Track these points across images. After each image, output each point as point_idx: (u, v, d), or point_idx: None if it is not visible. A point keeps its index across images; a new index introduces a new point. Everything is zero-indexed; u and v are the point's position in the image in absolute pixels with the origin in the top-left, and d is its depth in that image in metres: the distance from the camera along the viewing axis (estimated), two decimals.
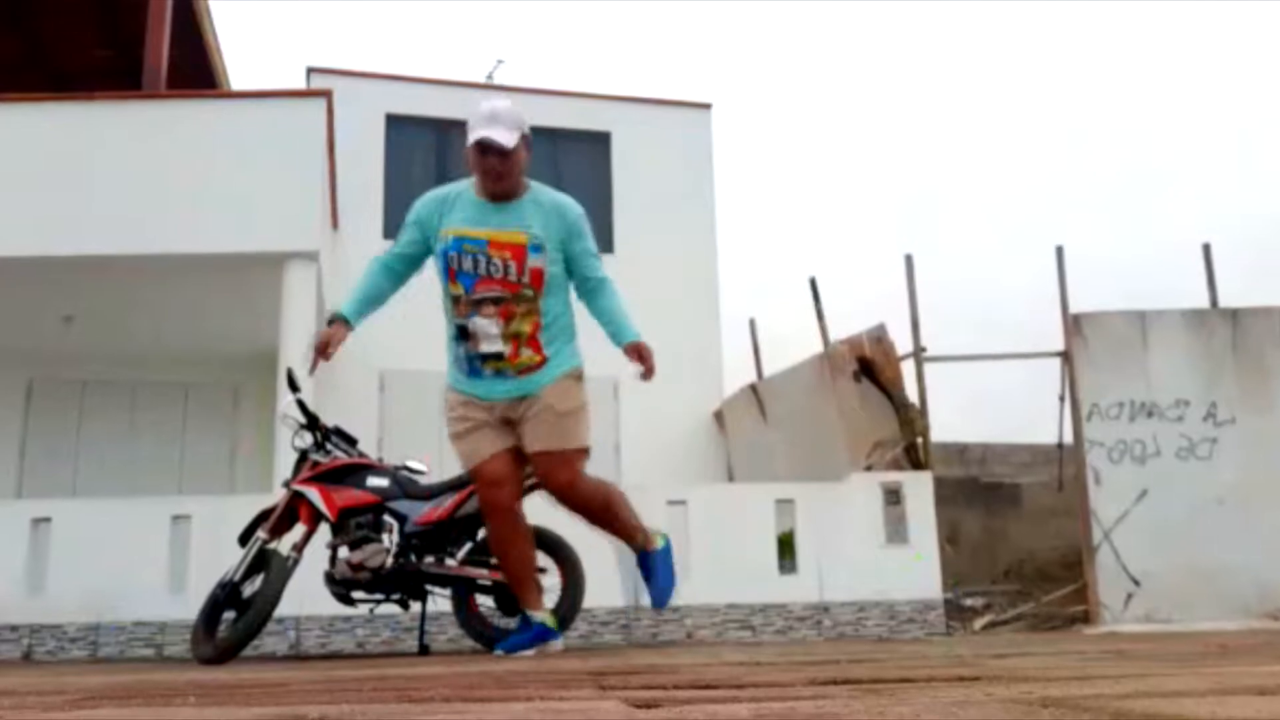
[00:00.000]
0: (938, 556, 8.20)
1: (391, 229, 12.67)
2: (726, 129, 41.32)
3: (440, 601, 5.90)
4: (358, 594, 5.68)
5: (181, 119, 9.90)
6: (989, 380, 12.63)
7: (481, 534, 5.66)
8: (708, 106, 14.53)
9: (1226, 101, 38.72)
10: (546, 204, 4.92)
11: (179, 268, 9.69)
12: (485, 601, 5.78)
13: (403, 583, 5.65)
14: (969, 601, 9.42)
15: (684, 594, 7.82)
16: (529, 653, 4.92)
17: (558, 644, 5.15)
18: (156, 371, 12.13)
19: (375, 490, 5.62)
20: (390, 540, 5.60)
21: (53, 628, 7.38)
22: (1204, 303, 9.42)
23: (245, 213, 9.43)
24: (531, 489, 5.26)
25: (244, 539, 5.66)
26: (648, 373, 5.00)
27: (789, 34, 43.75)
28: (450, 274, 4.83)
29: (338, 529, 5.59)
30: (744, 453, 12.35)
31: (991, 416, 14.88)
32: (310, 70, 13.08)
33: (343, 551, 5.57)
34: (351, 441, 5.97)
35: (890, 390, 9.28)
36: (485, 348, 4.81)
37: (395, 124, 13.39)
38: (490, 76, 15.16)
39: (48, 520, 7.63)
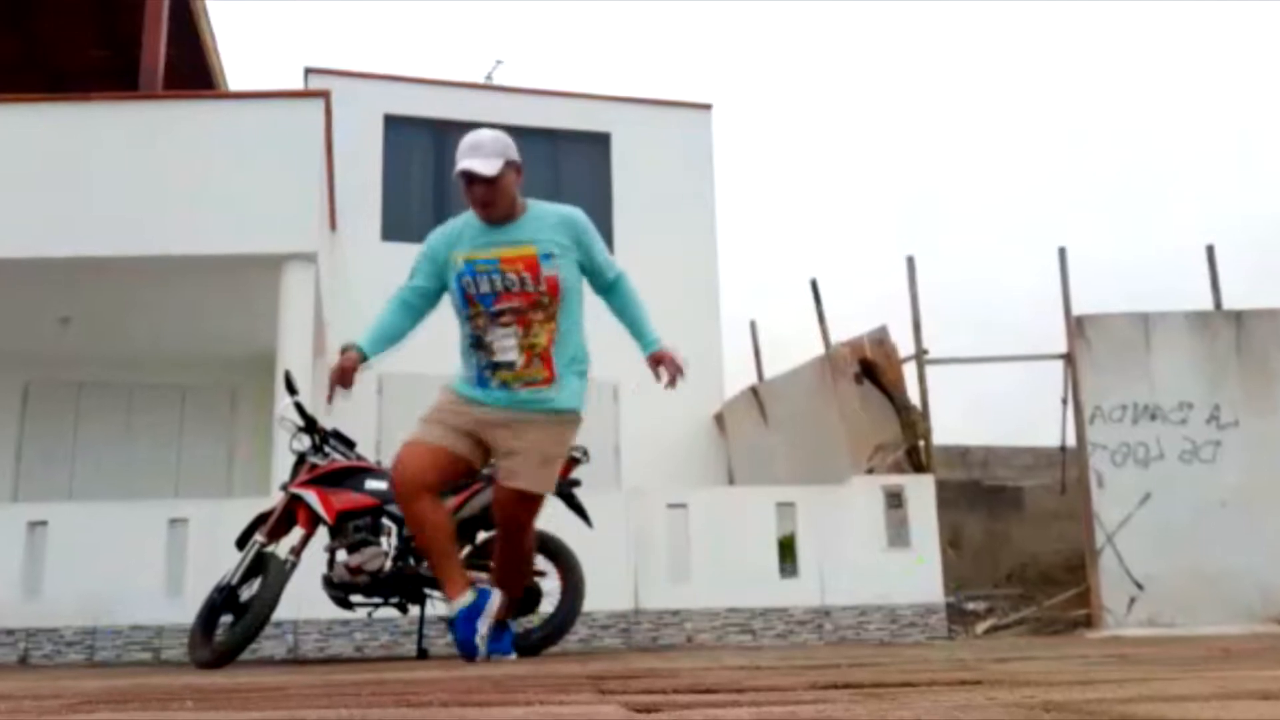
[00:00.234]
0: (939, 560, 8.19)
1: (390, 230, 12.69)
2: (727, 130, 41.35)
3: (439, 605, 5.86)
4: (356, 597, 5.66)
5: (179, 120, 9.88)
6: (991, 383, 12.60)
7: (481, 537, 5.64)
8: (708, 107, 14.51)
9: (1229, 102, 38.79)
10: (549, 218, 4.95)
11: (176, 269, 9.66)
12: None
13: (401, 586, 5.63)
14: (971, 605, 9.38)
15: (684, 597, 7.82)
16: (480, 629, 4.80)
17: (494, 601, 4.91)
18: (154, 374, 12.10)
19: (374, 493, 5.59)
20: (389, 543, 5.57)
21: (49, 631, 7.38)
22: (1207, 304, 9.40)
23: (243, 214, 9.40)
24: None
25: (241, 542, 5.64)
26: (671, 382, 4.97)
27: (789, 34, 43.78)
28: (468, 299, 4.85)
29: (336, 532, 5.56)
30: (744, 455, 12.32)
31: (994, 419, 14.87)
32: (308, 71, 13.06)
33: (341, 555, 5.55)
34: (350, 444, 5.95)
35: (892, 393, 9.26)
36: (499, 356, 4.81)
37: (394, 125, 13.36)
38: (489, 77, 15.15)
39: (44, 524, 7.63)
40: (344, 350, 5.06)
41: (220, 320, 11.09)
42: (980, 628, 8.86)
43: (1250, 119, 36.66)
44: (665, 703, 2.13)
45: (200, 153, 9.63)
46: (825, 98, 43.39)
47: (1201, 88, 40.03)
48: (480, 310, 4.82)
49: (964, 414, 13.40)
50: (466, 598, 4.86)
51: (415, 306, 5.10)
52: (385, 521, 5.59)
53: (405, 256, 5.33)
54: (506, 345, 4.80)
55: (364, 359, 5.04)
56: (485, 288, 4.81)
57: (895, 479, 8.44)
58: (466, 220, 4.98)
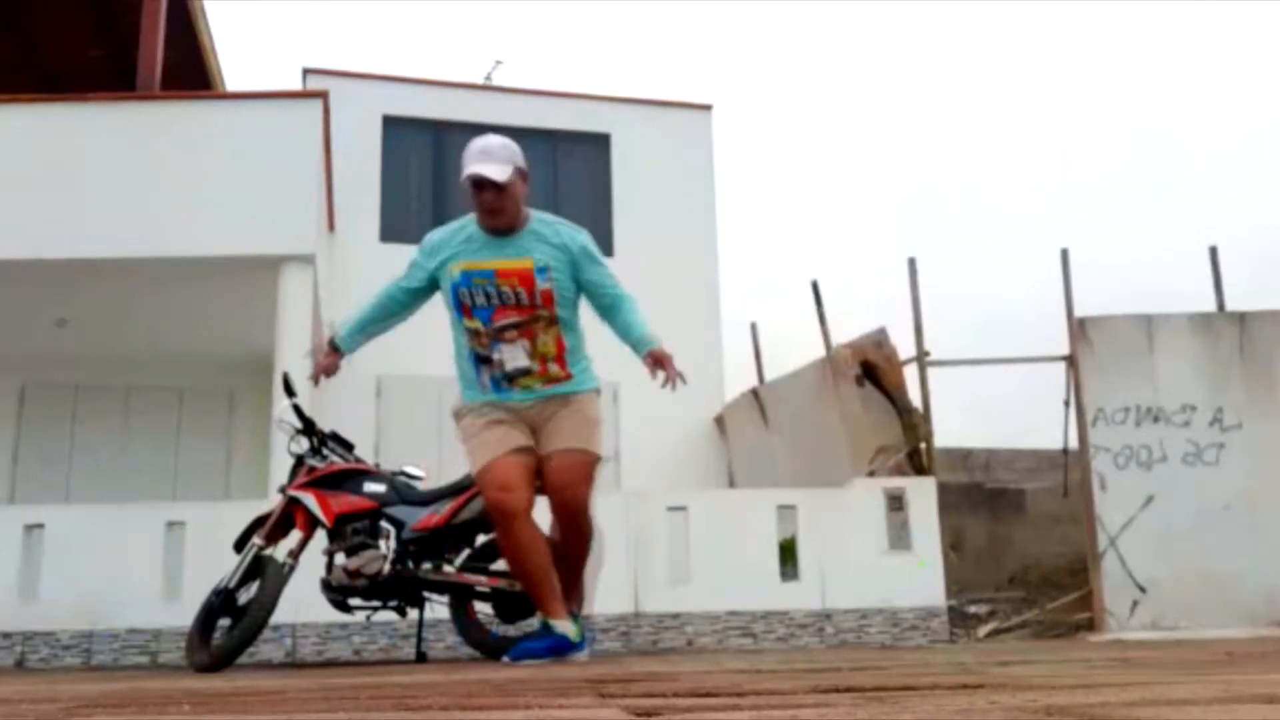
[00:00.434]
0: (941, 563, 8.17)
1: (388, 231, 12.67)
2: (727, 130, 41.40)
3: (438, 609, 5.86)
4: (354, 601, 5.64)
5: (176, 120, 9.86)
6: (993, 385, 12.58)
7: (480, 540, 5.62)
8: (708, 108, 14.49)
9: (1233, 102, 38.80)
10: (550, 236, 4.92)
11: (173, 271, 9.64)
12: (484, 609, 5.72)
13: (400, 589, 5.60)
14: (973, 609, 9.35)
15: (684, 600, 7.79)
16: (537, 661, 4.76)
17: (582, 655, 4.92)
18: (151, 376, 12.08)
19: (372, 496, 5.57)
20: (387, 546, 5.53)
21: (46, 635, 7.36)
22: (1211, 306, 9.36)
23: (240, 215, 9.38)
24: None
25: (239, 545, 5.62)
26: (669, 380, 4.82)
27: (789, 35, 43.82)
28: (464, 310, 4.84)
29: (334, 535, 5.54)
30: (745, 458, 12.30)
31: (996, 421, 14.90)
32: (306, 71, 13.04)
33: (339, 558, 5.52)
34: (348, 447, 5.92)
35: (893, 395, 9.23)
36: (512, 367, 4.83)
37: (392, 125, 13.34)
38: (488, 77, 15.14)
39: (41, 526, 7.61)
40: (329, 340, 5.18)
41: (218, 322, 11.07)
42: (982, 631, 8.84)
43: (1254, 119, 36.70)
44: (665, 706, 2.12)
45: (198, 154, 9.61)
46: (826, 98, 43.45)
47: (1205, 88, 40.09)
48: (479, 326, 4.81)
49: (966, 416, 13.38)
50: (570, 628, 4.88)
51: (402, 302, 5.13)
52: (384, 524, 5.56)
53: (404, 258, 5.31)
54: (517, 357, 4.82)
55: (340, 355, 5.17)
56: (481, 300, 4.79)
57: (896, 481, 8.42)
58: (467, 227, 4.95)
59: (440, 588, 5.64)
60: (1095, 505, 8.80)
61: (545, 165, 12.81)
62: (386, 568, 5.47)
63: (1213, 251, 9.56)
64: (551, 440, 4.92)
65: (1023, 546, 11.28)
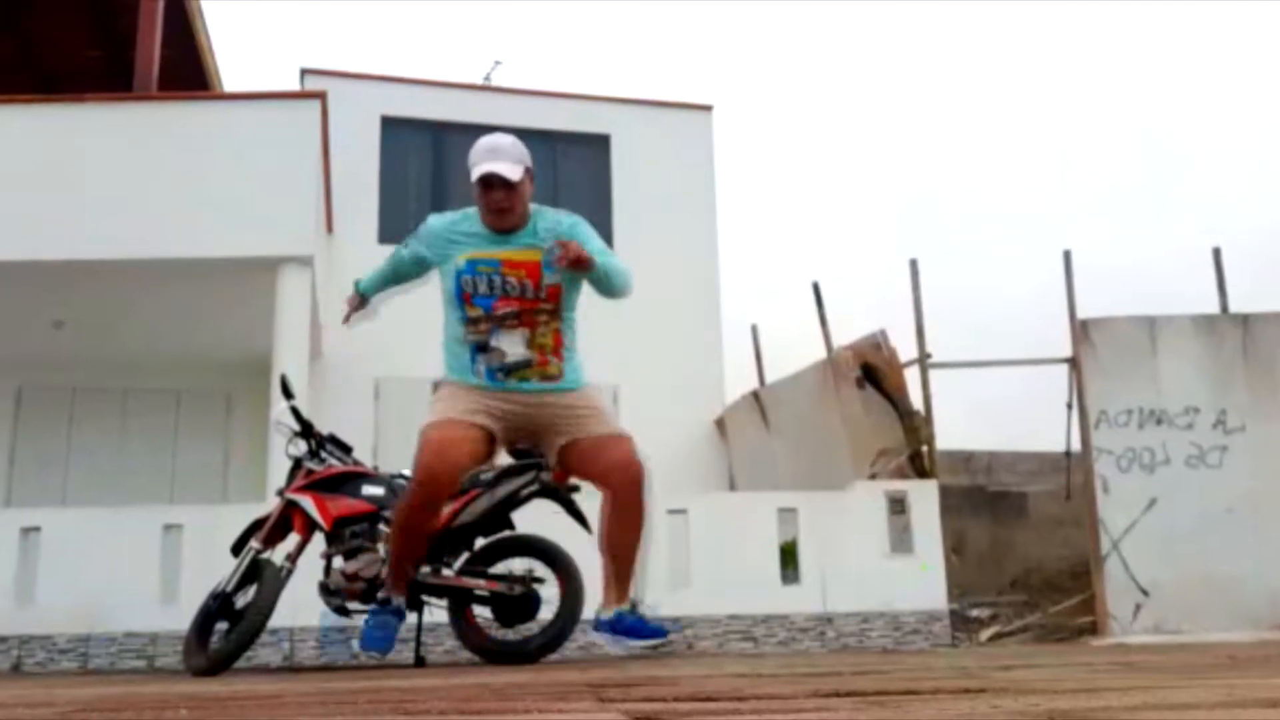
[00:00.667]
0: (943, 566, 8.16)
1: (387, 232, 12.65)
2: (728, 131, 41.39)
3: (437, 612, 5.82)
4: (353, 604, 5.59)
5: (174, 121, 9.85)
6: (995, 387, 12.56)
7: (479, 544, 5.58)
8: (709, 108, 14.48)
9: (1234, 102, 38.81)
10: (549, 223, 4.90)
11: (171, 272, 9.63)
12: (482, 612, 5.69)
13: None
14: (975, 612, 9.34)
15: (685, 604, 7.75)
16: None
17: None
18: (148, 378, 12.06)
19: (371, 499, 5.55)
20: (386, 550, 5.49)
21: (42, 639, 7.35)
22: (1214, 308, 9.35)
23: (238, 216, 9.37)
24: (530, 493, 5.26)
25: (237, 549, 5.61)
26: (563, 259, 4.56)
27: (789, 35, 43.85)
28: (465, 297, 4.81)
29: (332, 538, 5.52)
30: (746, 461, 12.28)
31: (998, 424, 14.84)
32: (304, 71, 13.02)
33: (338, 561, 5.50)
34: (346, 449, 5.90)
35: (894, 397, 9.21)
36: (511, 359, 4.79)
37: (390, 126, 13.32)
38: (488, 78, 15.13)
39: (37, 529, 7.60)
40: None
41: (215, 324, 11.06)
42: (984, 635, 8.82)
43: (1256, 119, 36.73)
44: (665, 711, 2.10)
45: (195, 155, 9.60)
46: (826, 99, 43.46)
47: (1205, 88, 40.12)
48: (480, 314, 4.77)
49: (967, 419, 13.34)
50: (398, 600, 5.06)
51: (410, 265, 5.19)
52: (382, 527, 5.53)
53: None
54: (516, 346, 4.79)
55: (364, 300, 5.32)
56: (484, 289, 4.76)
57: (898, 484, 8.41)
58: (470, 215, 4.93)
59: (439, 591, 5.61)
60: (1098, 508, 8.78)
61: (545, 166, 12.76)
62: (385, 571, 5.44)
63: (1216, 253, 9.54)
64: (580, 429, 4.89)
65: (1025, 550, 11.27)
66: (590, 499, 5.60)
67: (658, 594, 7.74)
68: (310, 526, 5.50)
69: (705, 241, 13.75)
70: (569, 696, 2.57)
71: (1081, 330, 9.16)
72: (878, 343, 9.39)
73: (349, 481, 5.61)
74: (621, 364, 11.40)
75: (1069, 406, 9.38)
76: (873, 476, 8.77)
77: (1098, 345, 9.09)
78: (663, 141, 14.00)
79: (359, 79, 13.35)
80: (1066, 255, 9.47)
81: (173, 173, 9.50)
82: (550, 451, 5.03)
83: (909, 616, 7.91)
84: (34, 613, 7.36)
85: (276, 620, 5.71)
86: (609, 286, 4.84)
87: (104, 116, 9.78)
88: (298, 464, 5.74)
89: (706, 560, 7.87)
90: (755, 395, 12.15)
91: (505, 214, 4.79)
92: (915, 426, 9.09)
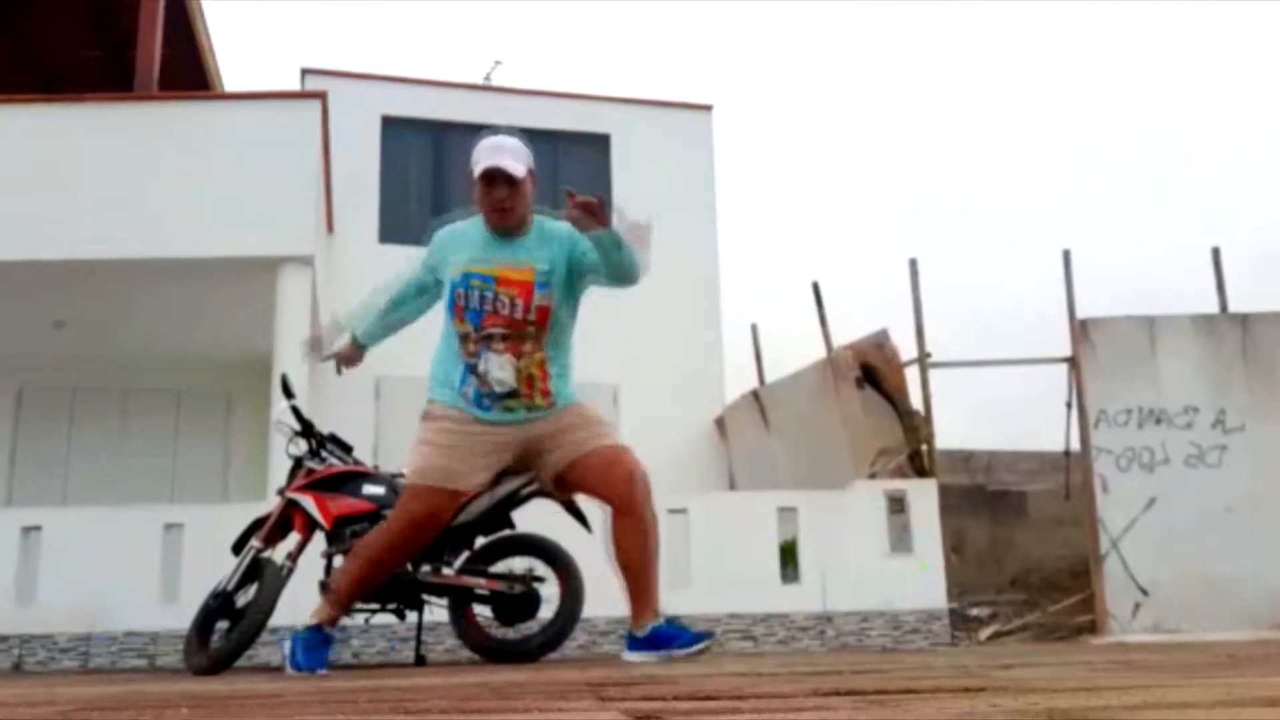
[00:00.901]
0: (943, 566, 8.15)
1: (387, 232, 12.65)
2: (728, 131, 41.39)
3: (437, 611, 5.83)
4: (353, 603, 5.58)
5: (174, 121, 9.84)
6: (994, 386, 12.58)
7: (479, 542, 5.59)
8: (709, 108, 14.47)
9: (1234, 102, 38.82)
10: (552, 235, 4.81)
11: (171, 272, 9.62)
12: (483, 611, 5.70)
13: (399, 592, 5.58)
14: (974, 611, 9.34)
15: (685, 603, 7.74)
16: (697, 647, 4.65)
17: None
18: (148, 378, 12.05)
19: (371, 498, 5.55)
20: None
21: (43, 638, 7.35)
22: (1213, 307, 9.35)
23: (238, 216, 9.36)
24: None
25: (237, 548, 5.61)
26: (576, 209, 4.52)
27: (789, 35, 43.84)
28: (457, 310, 4.71)
29: (333, 537, 5.51)
30: (746, 460, 12.28)
31: (997, 423, 14.86)
32: (305, 71, 13.01)
33: (338, 560, 5.48)
34: (347, 449, 5.90)
35: (894, 397, 9.22)
36: (499, 388, 4.66)
37: (391, 126, 13.31)
38: (488, 78, 15.11)
39: (38, 529, 7.59)
40: (350, 339, 5.12)
41: (216, 324, 11.05)
42: (984, 634, 8.83)
43: (1256, 119, 36.72)
44: (665, 710, 2.09)
45: (196, 155, 9.59)
46: (826, 99, 43.47)
47: (1205, 88, 40.11)
48: (469, 330, 4.68)
49: (967, 418, 13.35)
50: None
51: (412, 300, 5.06)
52: None
53: (402, 259, 5.28)
54: (504, 376, 4.65)
55: (360, 351, 5.12)
56: (475, 303, 4.66)
57: (898, 484, 8.41)
58: (471, 224, 4.86)
59: (439, 590, 5.62)
60: (1097, 507, 8.79)
61: (545, 166, 12.71)
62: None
63: (1215, 252, 9.55)
64: (575, 448, 4.76)
65: (1024, 549, 11.27)
66: (593, 501, 5.61)
67: (659, 592, 7.76)
68: (311, 526, 5.49)
69: (705, 241, 13.74)
70: (569, 695, 2.55)
71: (1081, 330, 9.17)
72: (881, 341, 9.39)
73: (349, 481, 5.60)
74: (621, 364, 11.41)
75: (1068, 406, 9.39)
76: (872, 476, 8.77)
77: (1097, 345, 9.10)
78: (663, 141, 13.99)
79: (359, 79, 13.33)
80: (1066, 255, 9.48)
81: (173, 172, 9.49)
82: (548, 477, 4.90)
83: (909, 615, 7.91)
84: (35, 612, 7.35)
85: (277, 619, 5.69)
86: (618, 260, 4.63)
87: (104, 116, 9.77)
88: (298, 463, 5.74)
89: (706, 559, 7.87)
90: (755, 395, 12.15)
91: (507, 213, 4.70)
92: (915, 426, 9.09)
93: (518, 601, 5.50)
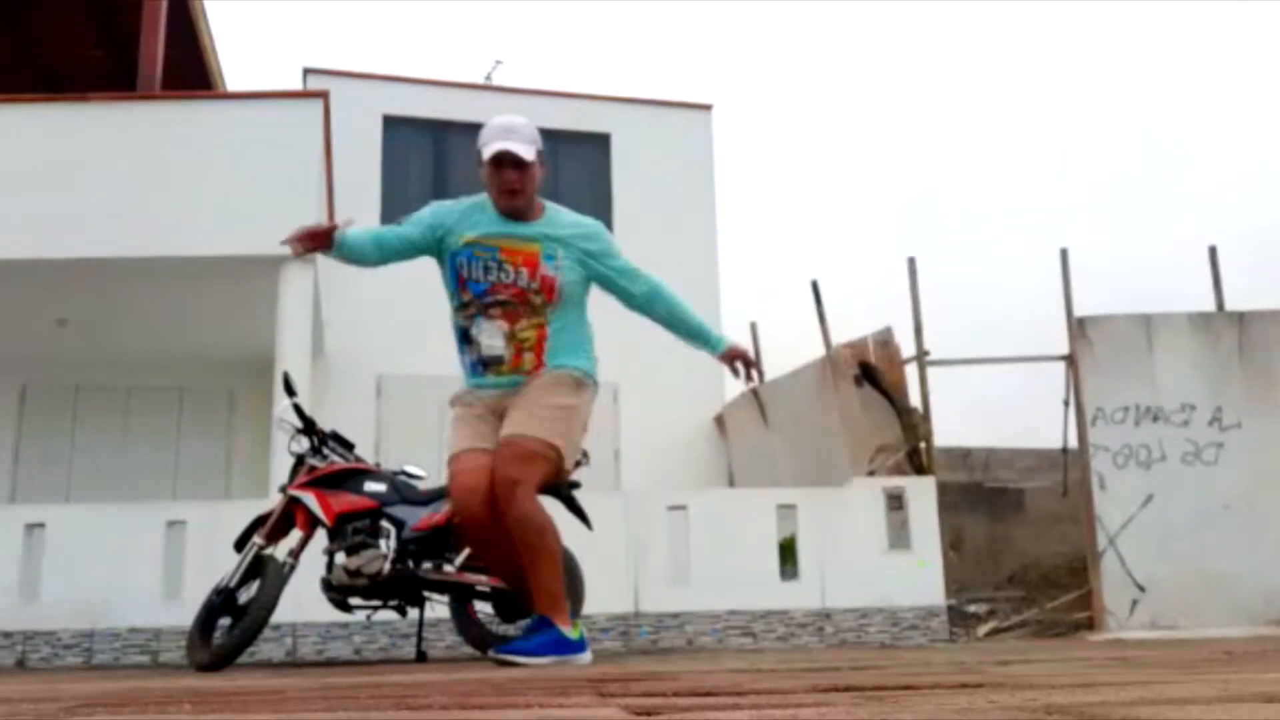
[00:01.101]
0: (941, 562, 8.17)
1: None
2: (727, 130, 41.34)
3: (438, 608, 5.85)
4: (355, 600, 5.64)
5: (176, 120, 9.85)
6: (992, 384, 12.60)
7: None
8: (708, 108, 14.48)
9: (1234, 102, 38.77)
10: (564, 225, 4.80)
11: (174, 271, 9.63)
12: (484, 608, 5.72)
13: (400, 589, 5.60)
14: (972, 608, 9.36)
15: (684, 600, 7.79)
16: (538, 660, 4.33)
17: (583, 658, 4.50)
18: (151, 376, 12.06)
19: (373, 495, 5.56)
20: (388, 546, 5.52)
21: (46, 634, 7.36)
22: (1210, 306, 9.37)
23: (241, 215, 9.36)
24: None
25: (240, 545, 5.61)
26: (749, 376, 4.87)
27: (789, 35, 43.79)
28: (460, 281, 4.69)
29: (335, 534, 5.53)
30: (745, 458, 12.29)
31: (995, 421, 14.87)
32: (306, 71, 13.03)
33: (340, 557, 5.51)
34: (348, 446, 5.92)
35: (892, 394, 9.24)
36: (487, 352, 4.66)
37: (392, 125, 13.33)
38: (488, 77, 15.13)
39: (41, 526, 7.61)
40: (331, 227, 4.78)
41: (218, 322, 11.06)
42: (982, 630, 8.84)
43: (1255, 119, 36.68)
44: (665, 706, 2.10)
45: (198, 154, 9.60)
46: (826, 99, 43.42)
47: (1205, 87, 40.07)
48: (470, 298, 4.66)
49: (965, 416, 13.38)
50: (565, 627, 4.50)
51: (393, 248, 4.83)
52: (384, 524, 5.55)
53: None
54: (494, 338, 4.63)
55: (330, 246, 4.74)
56: (479, 273, 4.64)
57: (896, 481, 8.42)
58: (480, 202, 4.80)
59: (440, 587, 5.64)
60: (1095, 504, 8.81)
61: (546, 164, 12.81)
62: (387, 567, 5.46)
63: (1212, 251, 9.57)
64: (505, 426, 4.61)
65: (1022, 546, 11.28)
66: (590, 497, 5.65)
67: (658, 590, 7.81)
68: (313, 523, 5.50)
69: (705, 240, 13.76)
70: (569, 691, 2.56)
71: (1079, 328, 9.19)
72: (885, 339, 9.42)
73: (351, 478, 5.63)
74: (621, 363, 11.37)
75: (1066, 403, 9.41)
76: (871, 473, 8.78)
77: (1095, 343, 9.12)
78: (663, 141, 14.00)
79: (361, 78, 13.35)
80: (1064, 253, 9.50)
81: (175, 172, 9.50)
82: None
83: (907, 612, 7.93)
84: (38, 608, 7.37)
85: (279, 616, 5.72)
86: (686, 339, 5.01)
87: (106, 116, 9.78)
88: (300, 461, 5.75)
89: (706, 556, 7.89)
90: (754, 393, 12.12)
91: (516, 195, 4.67)
92: (913, 423, 9.11)
93: (519, 598, 5.51)
